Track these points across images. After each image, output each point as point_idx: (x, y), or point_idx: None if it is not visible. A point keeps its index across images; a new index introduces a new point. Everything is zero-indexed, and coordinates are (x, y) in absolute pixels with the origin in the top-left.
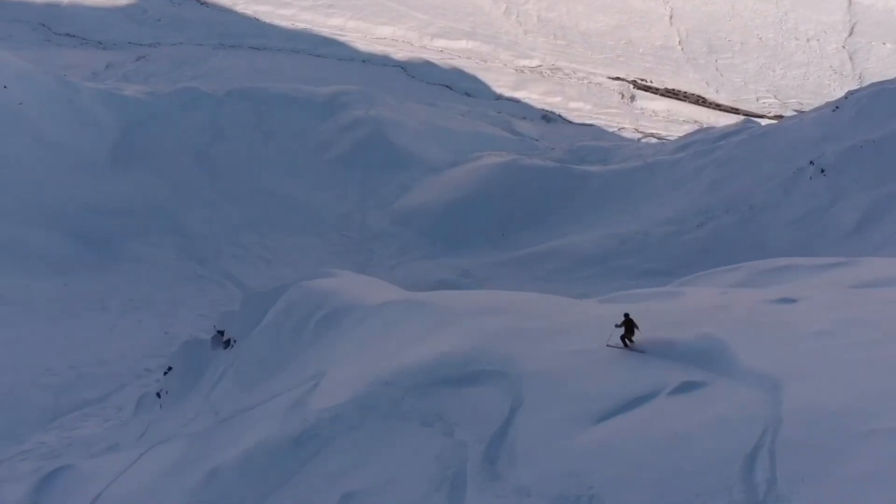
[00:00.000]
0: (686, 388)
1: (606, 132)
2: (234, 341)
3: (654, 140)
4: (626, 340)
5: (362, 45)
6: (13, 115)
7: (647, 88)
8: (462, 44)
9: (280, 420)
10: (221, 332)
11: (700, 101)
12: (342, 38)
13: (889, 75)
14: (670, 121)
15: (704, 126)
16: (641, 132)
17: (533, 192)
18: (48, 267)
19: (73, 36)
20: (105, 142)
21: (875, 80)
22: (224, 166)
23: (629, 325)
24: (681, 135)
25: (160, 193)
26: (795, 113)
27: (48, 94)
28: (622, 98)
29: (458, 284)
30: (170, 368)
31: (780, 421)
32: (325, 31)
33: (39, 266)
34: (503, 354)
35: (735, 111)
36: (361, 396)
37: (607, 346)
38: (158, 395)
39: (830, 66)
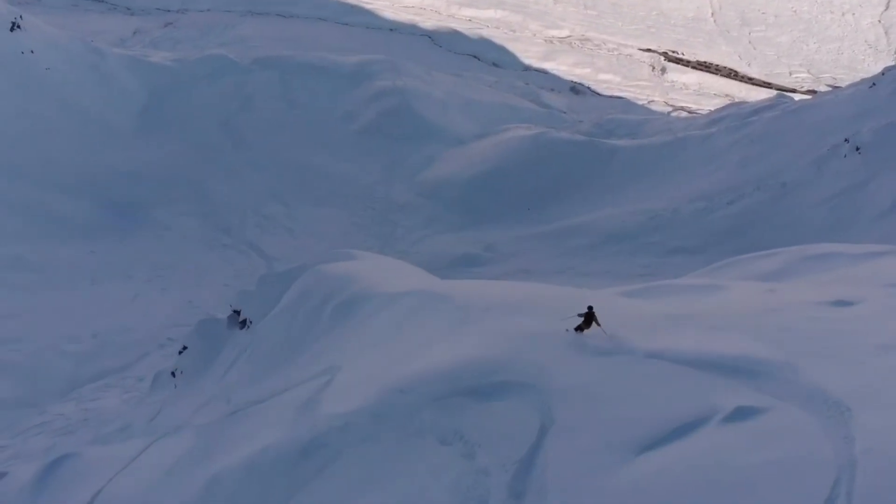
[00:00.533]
0: (741, 414)
1: (636, 105)
2: (251, 322)
3: (684, 114)
4: (580, 328)
5: (390, 13)
6: (40, 80)
7: (678, 61)
8: (490, 13)
9: (289, 423)
10: (238, 312)
11: (732, 74)
12: (369, 7)
13: None
14: (701, 94)
15: (736, 100)
16: (671, 105)
17: (560, 167)
18: (73, 233)
19: (101, 1)
20: (131, 108)
21: None
22: (250, 135)
23: (589, 319)
24: (712, 109)
25: (186, 161)
26: (829, 88)
27: (75, 60)
28: (652, 70)
29: (481, 259)
30: (185, 347)
31: (854, 464)
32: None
33: (64, 232)
34: (532, 363)
35: (767, 85)
36: (374, 405)
37: (566, 330)
38: (173, 373)
39: (865, 41)
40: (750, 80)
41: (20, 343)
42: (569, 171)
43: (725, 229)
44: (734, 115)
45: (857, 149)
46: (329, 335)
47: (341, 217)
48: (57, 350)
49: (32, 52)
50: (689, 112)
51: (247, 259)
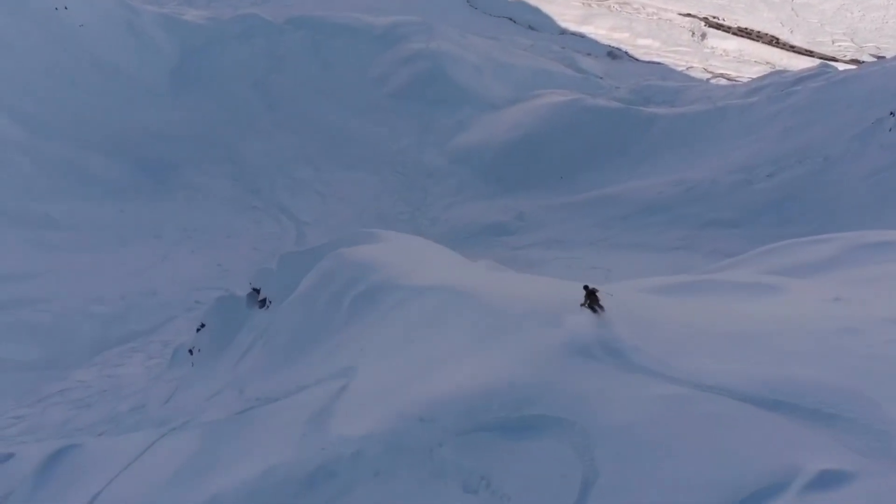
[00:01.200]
0: (826, 480)
1: (674, 71)
2: (270, 302)
3: (723, 81)
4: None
5: None
6: (72, 37)
7: (718, 26)
8: None
9: (297, 439)
10: (257, 290)
11: (773, 41)
12: None
13: None
14: (741, 61)
15: (777, 68)
16: (711, 72)
17: (595, 134)
18: (104, 192)
19: None
20: (164, 67)
21: None
22: (281, 96)
23: (592, 298)
24: (752, 76)
25: (217, 122)
26: (872, 58)
27: (108, 17)
28: (692, 36)
29: (512, 228)
30: (202, 325)
31: None
32: None
33: (95, 191)
34: (573, 393)
35: (809, 53)
36: (390, 432)
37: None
38: (191, 351)
39: None
40: (791, 48)
41: (47, 304)
42: (604, 140)
43: (764, 202)
44: (776, 84)
45: None
46: (347, 328)
47: (371, 181)
48: (84, 312)
49: (66, 8)
50: (729, 79)
51: (276, 222)
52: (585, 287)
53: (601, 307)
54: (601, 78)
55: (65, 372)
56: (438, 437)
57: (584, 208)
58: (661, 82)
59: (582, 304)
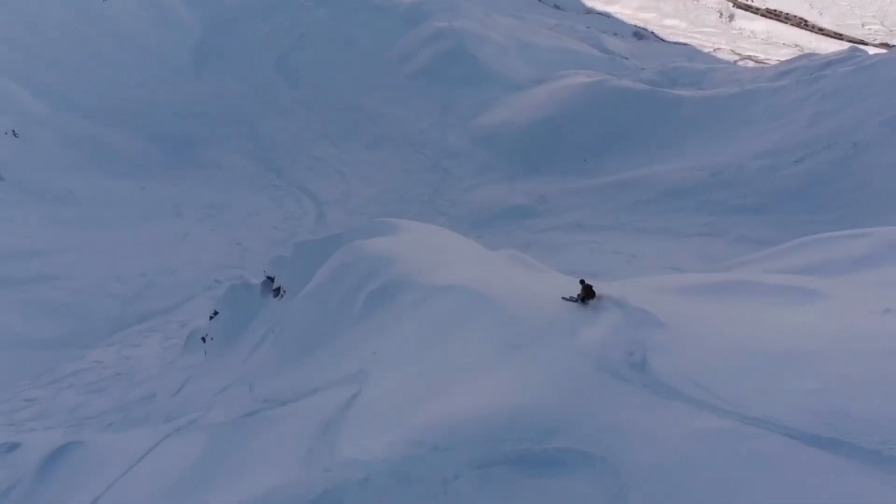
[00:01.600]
0: None
1: (701, 52)
2: (284, 292)
3: (751, 63)
4: (583, 298)
5: None
6: (98, 13)
7: (746, 7)
8: None
9: (302, 458)
10: (271, 279)
11: (802, 23)
12: None
13: None
14: (769, 43)
15: (806, 51)
16: (738, 54)
17: (620, 116)
18: (126, 168)
19: None
20: (187, 44)
21: None
22: (303, 74)
23: (588, 292)
24: (780, 59)
25: (239, 99)
26: None
27: None
28: (720, 17)
29: (534, 211)
30: (216, 313)
31: None
32: None
33: (117, 167)
34: (602, 423)
35: (838, 36)
36: (402, 459)
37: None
38: (203, 339)
39: None
40: (820, 31)
41: (67, 281)
42: (629, 122)
43: (792, 189)
44: (805, 67)
45: None
46: (361, 326)
47: (392, 161)
48: (103, 290)
49: None
50: (757, 62)
51: (296, 201)
52: (582, 281)
53: (588, 299)
54: (627, 58)
55: (82, 351)
56: (454, 469)
57: (608, 192)
58: (687, 64)
59: (572, 298)
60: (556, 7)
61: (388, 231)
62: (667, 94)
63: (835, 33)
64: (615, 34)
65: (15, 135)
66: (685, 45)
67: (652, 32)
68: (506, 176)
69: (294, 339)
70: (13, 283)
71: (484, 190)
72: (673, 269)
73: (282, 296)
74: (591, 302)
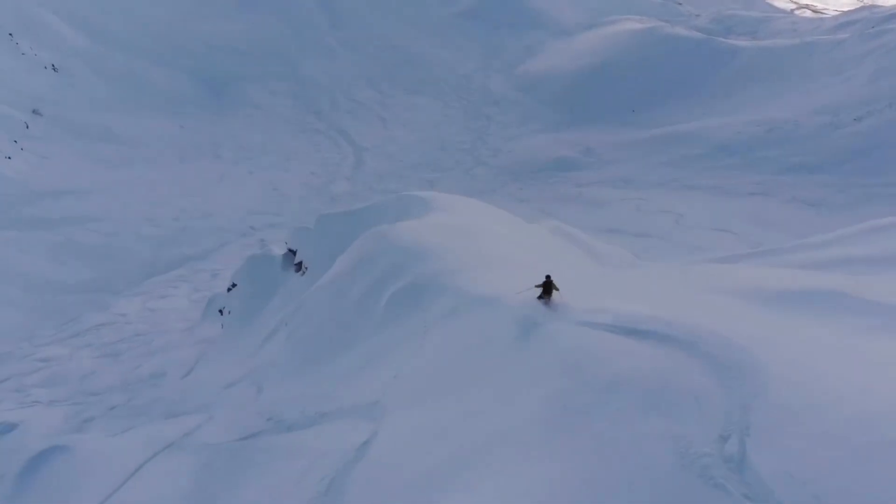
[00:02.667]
0: None
1: (757, 0)
2: (307, 268)
3: (808, 13)
4: (541, 298)
5: None
6: None
7: None
8: None
9: None
10: (293, 252)
11: None
12: None
13: None
14: None
15: (867, 3)
16: (796, 2)
17: (672, 66)
18: (166, 106)
19: None
20: None
21: None
22: (345, 13)
23: (547, 287)
24: (839, 10)
25: (281, 37)
26: None
27: None
28: None
29: (579, 163)
30: (234, 285)
31: None
32: None
33: (157, 104)
34: None
35: None
36: None
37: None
38: (221, 311)
39: None
40: None
41: (100, 223)
42: (682, 72)
43: (850, 148)
44: (867, 20)
45: None
46: (382, 334)
47: (434, 107)
48: (136, 233)
49: None
50: (814, 11)
51: (335, 146)
52: (547, 277)
53: (549, 295)
54: (680, 4)
55: (109, 299)
56: None
57: (656, 145)
58: (743, 11)
59: (540, 297)
60: None
61: (418, 210)
62: (721, 44)
63: None
64: None
65: (55, 69)
66: None
67: None
68: (550, 125)
69: (309, 337)
70: (46, 224)
71: (527, 140)
72: (724, 231)
73: (304, 272)
74: (550, 299)
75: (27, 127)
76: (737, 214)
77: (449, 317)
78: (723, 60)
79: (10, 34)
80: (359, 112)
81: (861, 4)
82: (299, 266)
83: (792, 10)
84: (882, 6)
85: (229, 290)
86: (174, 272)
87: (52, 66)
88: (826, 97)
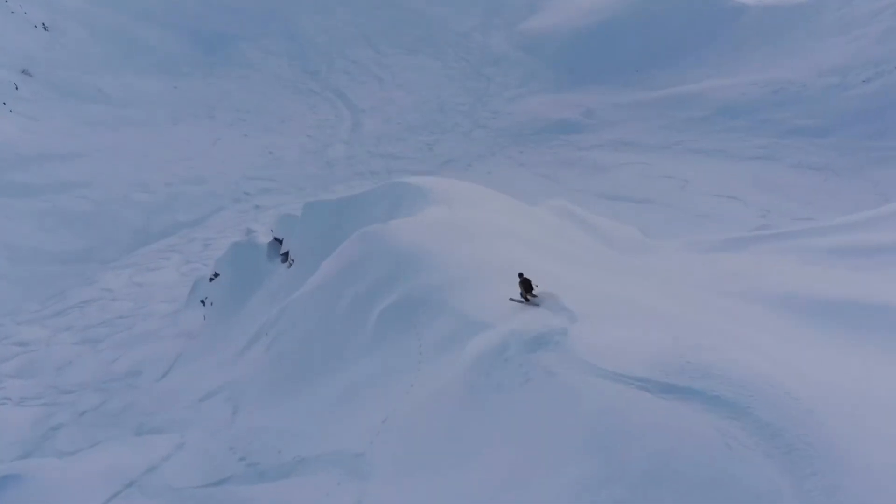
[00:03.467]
0: None
1: None
2: (293, 260)
3: None
4: (526, 297)
5: None
6: None
7: None
8: None
9: None
10: (279, 241)
11: None
12: None
13: None
14: None
15: None
16: None
17: (676, 24)
18: (159, 66)
19: None
20: None
21: None
22: None
23: (526, 285)
24: None
25: None
26: None
27: None
28: None
29: (580, 125)
30: (216, 275)
31: None
32: None
33: (150, 64)
34: None
35: None
36: None
37: (510, 300)
38: (203, 302)
39: None
40: None
41: (88, 189)
42: (686, 31)
43: (858, 110)
44: None
45: None
46: (371, 355)
47: (433, 67)
48: (127, 199)
49: None
50: None
51: (332, 107)
52: (520, 275)
53: (533, 296)
54: None
55: (97, 271)
56: None
57: (659, 107)
58: None
59: (522, 298)
60: None
61: (414, 201)
62: (727, 2)
63: None
64: None
65: (45, 28)
66: None
67: None
68: (551, 86)
69: (291, 351)
70: (33, 191)
71: (528, 101)
72: (729, 197)
73: (290, 263)
74: (533, 299)
75: (16, 88)
76: (742, 179)
77: (446, 345)
78: (728, 19)
79: None
80: (356, 72)
81: None
82: (286, 257)
83: None
84: None
85: (211, 279)
86: (165, 241)
87: (43, 24)
88: (834, 57)
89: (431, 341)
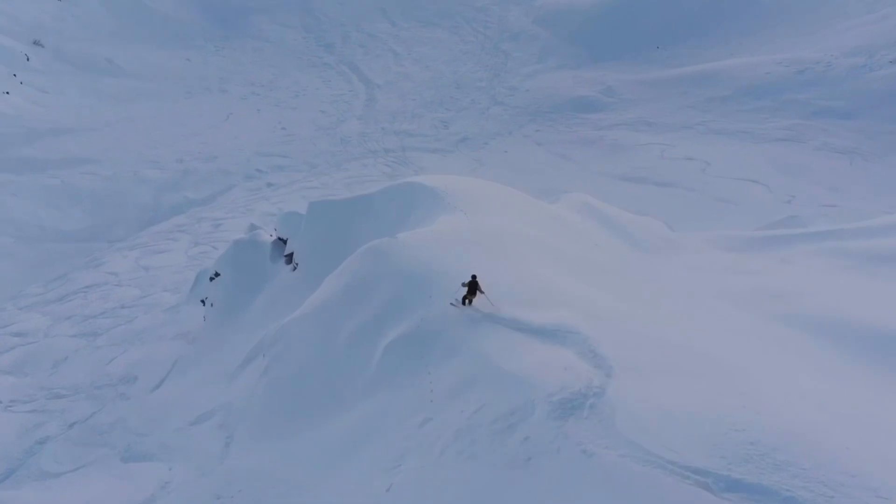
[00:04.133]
0: None
1: None
2: (297, 264)
3: None
4: (466, 300)
5: None
6: None
7: None
8: None
9: None
10: (283, 241)
11: None
12: None
13: None
14: None
15: None
16: None
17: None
18: (172, 37)
19: None
20: None
21: None
22: None
23: (472, 287)
24: None
25: None
26: None
27: None
28: None
29: (599, 104)
30: (217, 274)
31: None
32: None
33: (163, 35)
34: None
35: None
36: None
37: (450, 304)
38: (203, 302)
39: None
40: None
41: (97, 165)
42: (709, 6)
43: (885, 92)
44: None
45: None
46: (375, 397)
47: (450, 41)
48: (136, 176)
49: None
50: None
51: (346, 82)
52: (473, 277)
53: (470, 302)
54: None
55: (103, 252)
56: None
57: (680, 86)
58: None
59: (463, 299)
60: None
61: (427, 205)
62: None
63: None
64: None
65: None
66: None
67: None
68: (570, 62)
69: (289, 378)
70: (42, 166)
71: (546, 77)
72: (752, 181)
73: (295, 266)
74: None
75: (27, 59)
76: (765, 162)
77: (461, 392)
78: None
79: None
80: (371, 46)
81: None
82: (290, 258)
83: None
84: None
85: (212, 279)
86: (174, 220)
87: None
88: (861, 37)
89: (444, 385)
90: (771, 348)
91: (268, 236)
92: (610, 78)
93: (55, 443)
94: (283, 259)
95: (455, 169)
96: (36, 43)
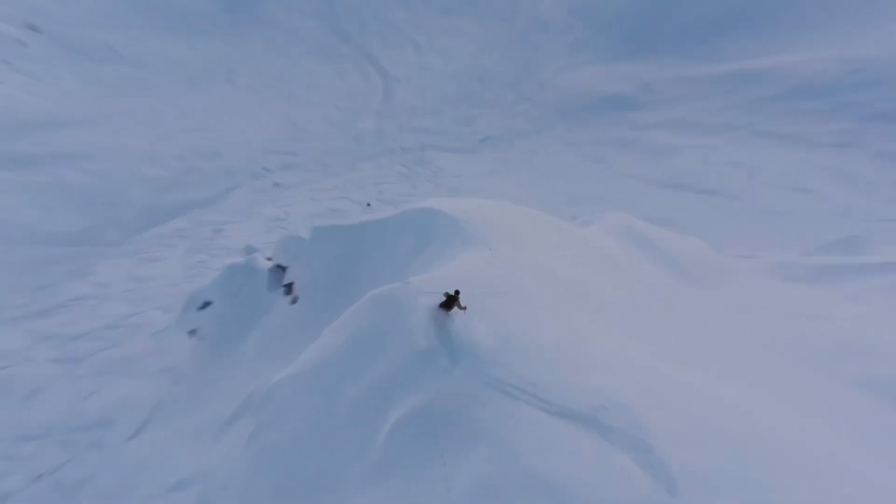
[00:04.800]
0: None
1: None
2: (298, 297)
3: None
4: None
5: None
6: None
7: None
8: None
9: None
10: (282, 268)
11: None
12: None
13: None
14: None
15: None
16: None
17: None
18: (176, 22)
19: None
20: None
21: None
22: None
23: (450, 301)
24: None
25: None
26: None
27: None
28: None
29: (636, 101)
30: (208, 303)
31: None
32: None
33: (167, 21)
34: None
35: None
36: None
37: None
38: (192, 333)
39: None
40: None
41: (93, 161)
42: None
43: None
44: None
45: None
46: (377, 488)
47: (474, 31)
48: (134, 174)
49: None
50: None
51: (363, 76)
52: (457, 292)
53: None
54: None
55: (94, 259)
56: None
57: (725, 84)
58: None
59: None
60: None
61: (444, 236)
62: None
63: None
64: None
65: None
66: None
67: None
68: (604, 56)
69: (277, 447)
70: (33, 161)
71: (578, 72)
72: (803, 190)
73: (295, 299)
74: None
75: (21, 44)
76: (817, 169)
77: (486, 495)
78: None
79: None
80: (390, 36)
81: None
82: (289, 289)
83: None
84: None
85: (201, 308)
86: (173, 223)
87: None
88: None
89: (463, 484)
90: (867, 431)
91: (265, 261)
92: (648, 74)
93: (15, 502)
94: (282, 289)
95: (477, 171)
96: (31, 27)
